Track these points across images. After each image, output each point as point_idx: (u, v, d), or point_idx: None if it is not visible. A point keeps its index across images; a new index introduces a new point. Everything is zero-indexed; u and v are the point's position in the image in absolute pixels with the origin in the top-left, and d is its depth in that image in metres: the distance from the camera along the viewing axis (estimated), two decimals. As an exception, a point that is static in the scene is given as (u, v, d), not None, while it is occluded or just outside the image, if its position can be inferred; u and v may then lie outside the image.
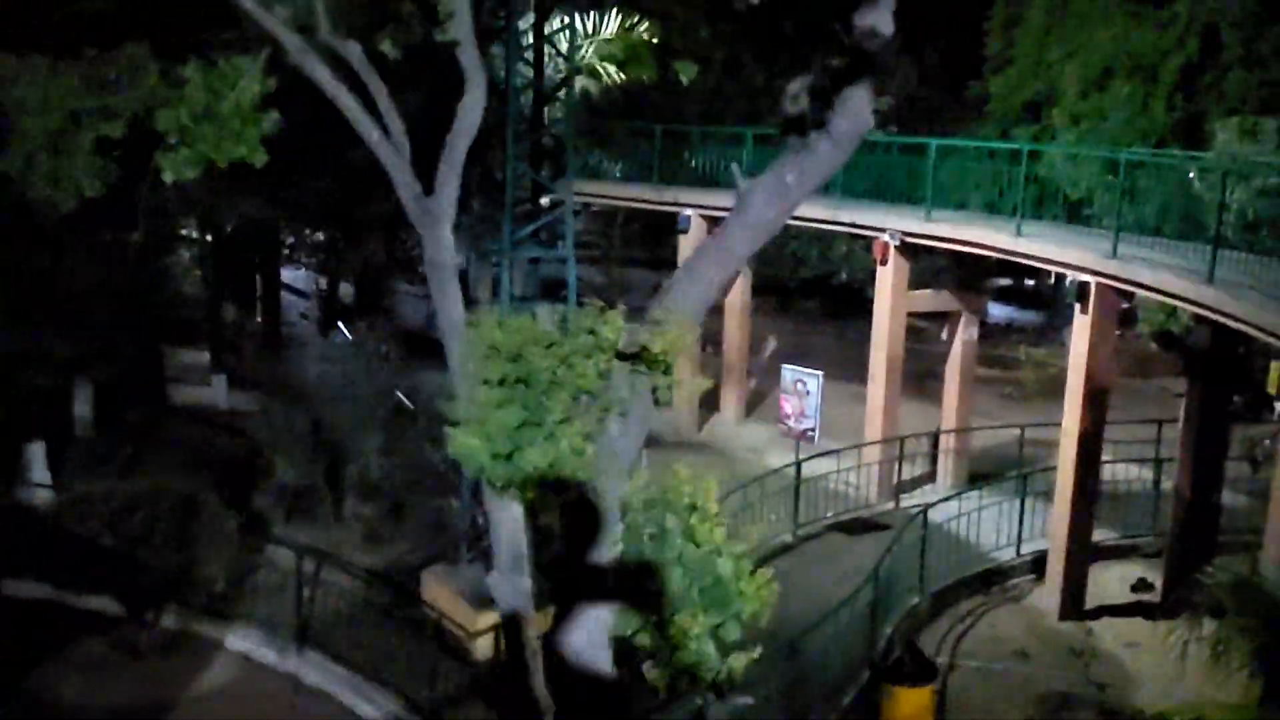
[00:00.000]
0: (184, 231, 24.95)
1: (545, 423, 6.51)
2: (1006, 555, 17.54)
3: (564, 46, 14.99)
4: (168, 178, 6.83)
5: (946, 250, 19.09)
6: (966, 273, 20.43)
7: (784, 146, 7.44)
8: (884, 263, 19.47)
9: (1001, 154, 19.35)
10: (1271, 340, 11.53)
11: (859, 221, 19.97)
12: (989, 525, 17.78)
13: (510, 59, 13.04)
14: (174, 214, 19.91)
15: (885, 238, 19.25)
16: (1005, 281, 36.87)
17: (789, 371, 17.93)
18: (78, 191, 7.01)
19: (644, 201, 23.79)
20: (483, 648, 14.34)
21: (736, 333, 24.05)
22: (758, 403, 25.50)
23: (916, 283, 20.48)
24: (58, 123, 6.39)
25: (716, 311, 25.12)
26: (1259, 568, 12.03)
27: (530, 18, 13.76)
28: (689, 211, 22.43)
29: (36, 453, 17.94)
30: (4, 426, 18.07)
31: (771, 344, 26.66)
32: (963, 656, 15.29)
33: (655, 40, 16.74)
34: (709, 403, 24.71)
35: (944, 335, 21.83)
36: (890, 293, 19.53)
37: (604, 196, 24.70)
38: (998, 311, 35.90)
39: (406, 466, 17.39)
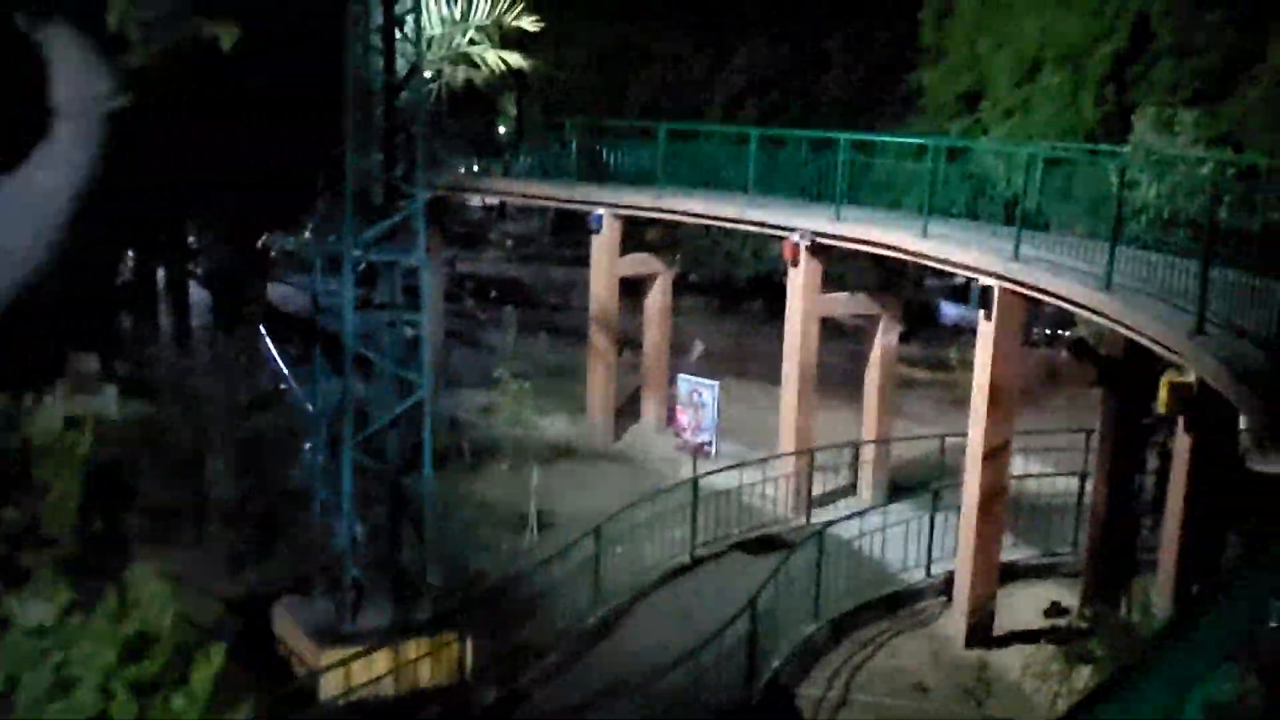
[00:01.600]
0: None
1: None
2: (916, 576, 16.47)
3: (432, 28, 13.89)
4: None
5: (857, 251, 17.99)
6: (885, 274, 19.33)
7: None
8: (795, 264, 18.36)
9: (920, 150, 18.24)
10: (1167, 354, 10.46)
11: (768, 220, 18.87)
12: (900, 543, 16.70)
13: (349, 41, 11.89)
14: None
15: (795, 238, 18.15)
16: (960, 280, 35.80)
17: (684, 381, 16.80)
18: None
19: (556, 200, 22.68)
20: (330, 686, 13.19)
21: (656, 335, 22.94)
22: (682, 410, 24.43)
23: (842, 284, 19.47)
24: None
25: (638, 311, 24.13)
26: (1150, 595, 10.94)
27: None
28: (601, 210, 21.29)
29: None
30: None
31: (700, 346, 25.55)
32: (856, 690, 14.20)
33: (533, 27, 15.57)
34: (632, 411, 23.60)
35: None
36: (801, 296, 18.42)
37: (515, 194, 23.55)
38: (950, 311, 34.75)
39: (270, 487, 16.25)
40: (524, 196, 23.62)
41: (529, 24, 15.83)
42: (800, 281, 18.39)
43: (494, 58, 15.96)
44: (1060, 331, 29.22)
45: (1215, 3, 18.11)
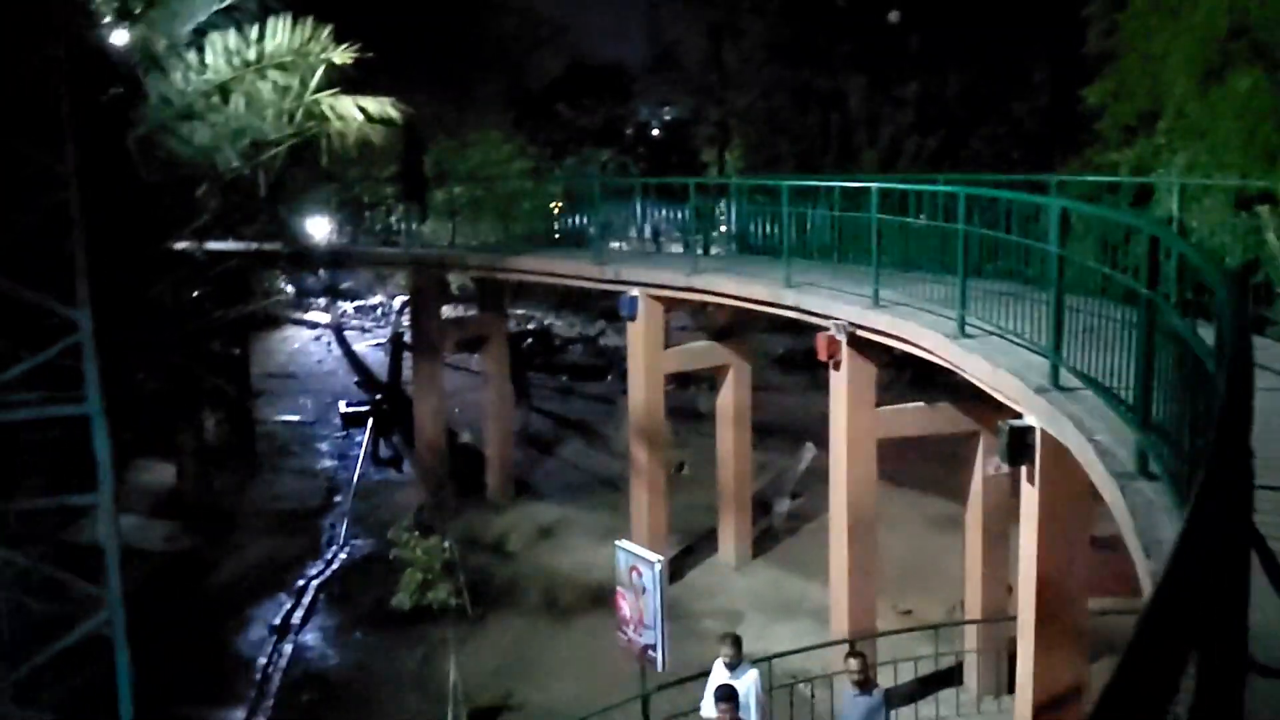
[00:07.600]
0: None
1: None
2: None
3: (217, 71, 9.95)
4: None
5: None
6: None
7: None
8: (835, 366, 12.96)
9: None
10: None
11: (802, 305, 13.56)
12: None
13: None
14: None
15: (831, 330, 12.79)
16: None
17: (622, 551, 11.63)
18: None
19: (578, 278, 18.18)
20: None
21: (730, 447, 17.84)
22: (780, 539, 19.11)
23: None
24: None
25: (693, 417, 19.32)
26: None
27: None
28: (635, 291, 16.64)
29: None
30: None
31: (810, 451, 20.06)
32: None
33: (343, 59, 11.32)
34: (709, 542, 18.50)
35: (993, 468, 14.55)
36: (847, 408, 12.93)
37: (528, 272, 19.20)
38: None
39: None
40: (543, 275, 19.24)
41: (339, 55, 11.65)
42: (844, 390, 12.96)
43: (349, 106, 11.93)
44: None
45: None
